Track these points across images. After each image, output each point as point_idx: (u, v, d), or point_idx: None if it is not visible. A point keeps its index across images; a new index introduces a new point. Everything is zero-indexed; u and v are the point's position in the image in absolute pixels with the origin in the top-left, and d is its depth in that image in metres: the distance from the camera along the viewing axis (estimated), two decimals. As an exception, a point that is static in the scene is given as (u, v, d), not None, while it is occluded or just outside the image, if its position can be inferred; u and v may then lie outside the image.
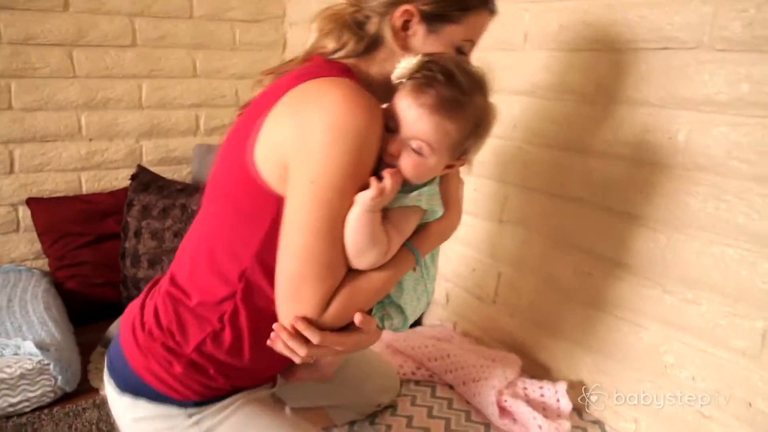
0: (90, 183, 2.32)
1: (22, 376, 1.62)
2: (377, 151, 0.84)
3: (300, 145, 0.81)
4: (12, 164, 2.17)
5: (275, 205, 0.86)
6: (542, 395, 1.43)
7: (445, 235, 0.98)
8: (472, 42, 0.96)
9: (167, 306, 0.96)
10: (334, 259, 0.85)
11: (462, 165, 0.94)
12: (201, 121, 2.49)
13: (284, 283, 0.85)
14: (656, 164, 1.26)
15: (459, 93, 0.84)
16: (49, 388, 1.66)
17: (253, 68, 2.54)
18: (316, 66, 0.91)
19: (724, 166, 1.15)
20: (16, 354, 1.65)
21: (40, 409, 1.65)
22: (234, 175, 0.89)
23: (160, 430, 0.96)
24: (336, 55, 0.95)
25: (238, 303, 0.93)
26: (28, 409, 1.64)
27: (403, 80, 0.87)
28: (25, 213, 2.22)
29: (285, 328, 0.86)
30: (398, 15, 0.91)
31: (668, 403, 1.29)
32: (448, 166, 0.91)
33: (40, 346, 1.67)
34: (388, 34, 0.92)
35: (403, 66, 0.87)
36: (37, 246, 2.25)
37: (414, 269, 0.97)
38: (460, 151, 0.90)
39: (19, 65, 2.10)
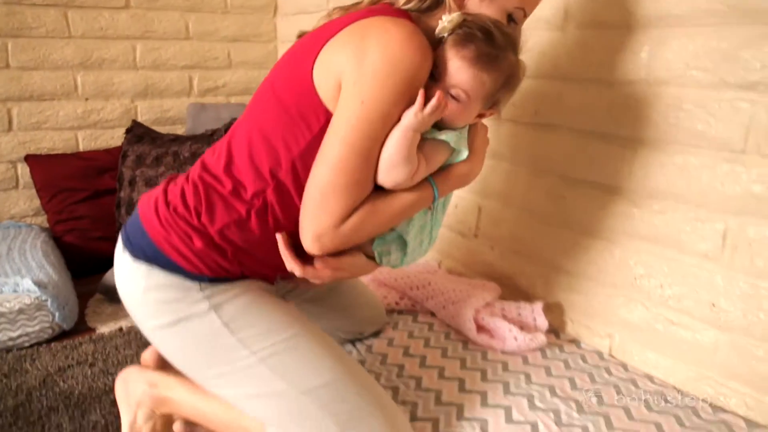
0: (87, 141, 2.38)
1: (20, 311, 1.68)
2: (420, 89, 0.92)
3: (357, 67, 0.89)
4: (10, 122, 2.24)
5: (323, 117, 0.94)
6: (519, 314, 1.49)
7: (465, 180, 1.06)
8: (524, 11, 1.03)
9: (198, 189, 1.01)
10: (364, 177, 0.93)
11: (492, 115, 1.02)
12: (194, 82, 2.55)
13: (315, 189, 0.93)
14: (623, 83, 1.31)
15: (495, 49, 0.93)
16: (47, 324, 1.73)
17: (244, 31, 2.60)
18: (383, 8, 0.99)
19: (683, 77, 1.20)
20: (15, 291, 1.72)
21: (38, 344, 1.71)
22: (292, 84, 0.96)
23: (171, 299, 1.00)
24: (402, 6, 1.02)
25: (267, 200, 0.99)
26: (27, 344, 1.71)
27: (445, 34, 0.95)
28: (23, 170, 2.28)
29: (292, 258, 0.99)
30: None
31: (639, 314, 1.35)
32: (480, 115, 1.01)
33: (38, 284, 1.74)
34: None
35: (446, 21, 0.95)
36: (36, 203, 2.32)
37: (429, 208, 1.05)
38: (492, 101, 0.99)
39: (15, 24, 2.16)
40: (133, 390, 1.16)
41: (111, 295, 2.01)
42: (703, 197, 1.20)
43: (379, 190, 0.98)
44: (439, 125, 0.98)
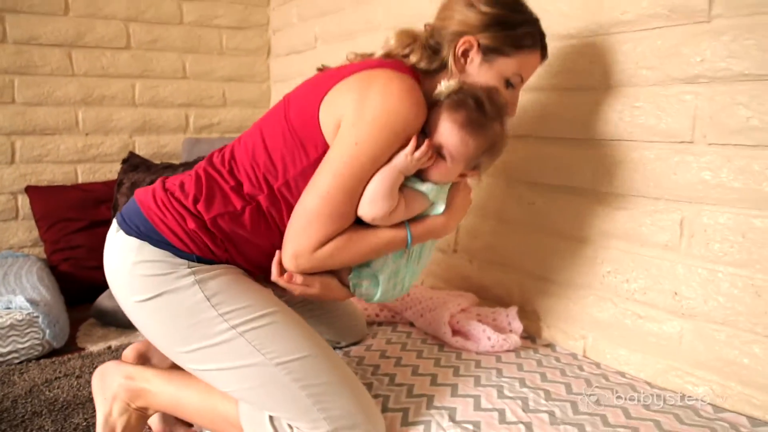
0: (86, 175, 2.48)
1: (12, 327, 1.73)
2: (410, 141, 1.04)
3: (357, 111, 1.00)
4: (13, 155, 2.34)
5: (321, 149, 1.05)
6: (494, 319, 1.51)
7: (438, 232, 1.15)
8: (521, 77, 1.15)
9: (199, 180, 1.09)
10: (346, 210, 1.04)
11: (473, 176, 1.13)
12: (191, 119, 2.67)
13: (301, 213, 1.03)
14: (581, 89, 1.39)
15: (483, 117, 1.04)
16: (37, 341, 1.77)
17: (239, 72, 2.74)
18: (394, 63, 1.10)
19: (635, 77, 1.28)
20: (7, 308, 1.76)
21: (28, 360, 1.75)
22: (301, 112, 1.07)
23: (158, 273, 1.03)
24: (412, 64, 1.13)
25: (261, 204, 1.08)
26: (16, 361, 1.74)
27: (441, 98, 1.07)
28: (24, 201, 2.37)
29: (277, 263, 1.08)
30: (461, 44, 1.11)
31: (608, 312, 1.38)
32: (462, 174, 1.11)
33: (31, 302, 1.79)
34: (450, 59, 1.12)
35: (444, 86, 1.07)
36: (35, 233, 2.39)
37: (405, 252, 1.14)
38: (474, 163, 1.09)
39: (22, 63, 2.30)
40: (110, 383, 1.18)
41: (103, 318, 2.05)
42: (660, 189, 1.25)
43: (358, 225, 1.07)
44: (423, 177, 1.08)
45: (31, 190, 2.35)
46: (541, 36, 1.18)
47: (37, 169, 2.38)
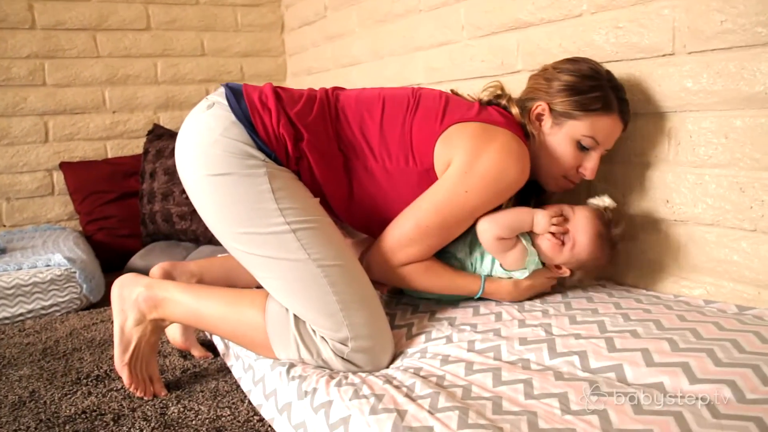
0: (114, 150, 2.62)
1: (52, 281, 1.86)
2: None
3: (472, 161, 1.15)
4: (47, 134, 2.49)
5: (425, 167, 1.19)
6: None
7: (502, 296, 1.26)
8: (595, 140, 1.24)
9: (311, 102, 1.20)
10: (434, 244, 1.20)
11: (563, 274, 1.26)
12: (211, 94, 2.79)
13: (395, 234, 1.19)
14: (568, 18, 1.45)
15: (614, 242, 1.22)
16: (75, 295, 1.90)
17: (255, 47, 2.85)
18: (513, 123, 1.24)
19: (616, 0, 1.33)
20: (47, 265, 1.90)
21: (67, 313, 1.88)
22: (423, 129, 1.20)
23: (238, 153, 1.10)
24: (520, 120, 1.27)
25: (348, 162, 1.21)
26: (58, 313, 1.88)
27: (594, 204, 1.23)
28: (58, 178, 2.52)
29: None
30: (535, 108, 1.25)
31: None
32: (557, 267, 1.25)
33: (68, 259, 1.92)
34: (526, 121, 1.26)
35: (598, 199, 1.23)
36: (70, 208, 2.54)
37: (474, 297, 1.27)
38: (577, 266, 1.23)
39: (51, 47, 2.45)
40: (128, 294, 1.19)
41: (135, 278, 2.17)
42: (647, 104, 1.31)
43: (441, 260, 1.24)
44: (533, 243, 1.22)
45: (64, 166, 2.50)
46: (619, 101, 1.25)
47: (70, 147, 2.53)
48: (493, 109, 1.26)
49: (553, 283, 1.29)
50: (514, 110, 1.25)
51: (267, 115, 1.15)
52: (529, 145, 1.24)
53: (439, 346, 1.09)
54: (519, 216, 1.20)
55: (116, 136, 2.62)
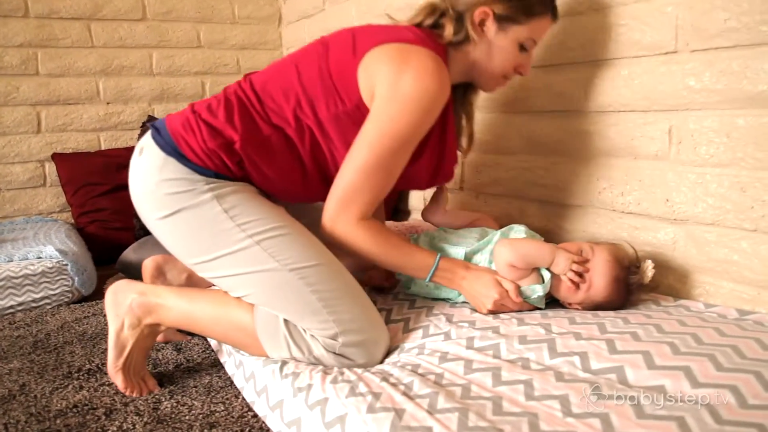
0: (108, 142, 2.59)
1: (43, 274, 1.84)
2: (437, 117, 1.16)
3: (393, 86, 1.10)
4: (39, 124, 2.46)
5: (356, 102, 1.14)
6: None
7: (457, 286, 1.22)
8: (534, 41, 1.24)
9: (229, 103, 1.16)
10: (380, 185, 1.14)
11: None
12: (206, 86, 2.76)
13: (341, 188, 1.14)
14: (571, 15, 1.44)
15: (627, 283, 1.17)
16: (67, 288, 1.87)
17: (251, 39, 2.82)
18: (427, 38, 1.18)
19: (622, -6, 1.32)
20: (39, 257, 1.88)
21: (59, 306, 1.86)
22: (341, 62, 1.15)
23: (180, 190, 1.11)
24: (445, 41, 1.22)
25: (288, 134, 1.16)
26: (49, 306, 1.85)
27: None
28: (50, 169, 2.49)
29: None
30: (477, 14, 1.19)
31: (607, 227, 1.42)
32: (570, 304, 1.22)
33: (60, 251, 1.89)
34: (469, 28, 1.20)
35: (645, 270, 1.18)
36: (62, 199, 2.51)
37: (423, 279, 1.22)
38: (593, 306, 1.18)
39: (44, 36, 2.41)
40: (122, 300, 1.21)
41: (128, 271, 2.15)
42: (648, 101, 1.30)
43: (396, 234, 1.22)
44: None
45: (57, 157, 2.47)
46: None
47: (62, 138, 2.50)
48: (404, 27, 1.22)
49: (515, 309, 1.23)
50: (449, 27, 1.21)
51: (191, 136, 1.13)
52: (469, 50, 1.23)
53: (437, 342, 1.08)
54: (540, 251, 1.18)
55: (110, 127, 2.59)
